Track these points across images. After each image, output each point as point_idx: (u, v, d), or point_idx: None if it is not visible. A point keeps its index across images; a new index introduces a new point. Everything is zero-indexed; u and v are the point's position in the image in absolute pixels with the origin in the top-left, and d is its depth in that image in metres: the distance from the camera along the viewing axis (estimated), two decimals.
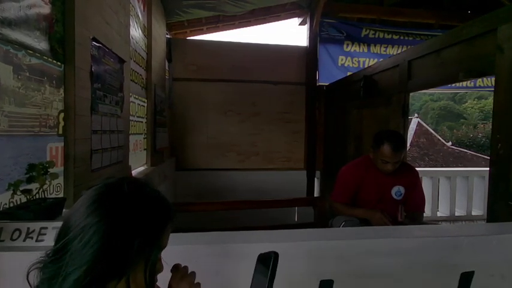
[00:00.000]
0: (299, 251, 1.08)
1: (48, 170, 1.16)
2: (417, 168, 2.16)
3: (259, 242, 1.09)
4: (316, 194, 4.93)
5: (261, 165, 4.85)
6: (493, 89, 1.85)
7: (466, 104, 27.59)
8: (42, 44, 1.29)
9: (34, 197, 1.15)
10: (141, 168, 3.01)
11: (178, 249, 0.93)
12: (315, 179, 4.93)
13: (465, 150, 16.70)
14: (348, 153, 3.91)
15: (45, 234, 1.00)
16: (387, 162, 1.80)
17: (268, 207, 3.29)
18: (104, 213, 0.51)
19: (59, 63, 1.41)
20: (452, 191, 4.32)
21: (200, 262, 0.98)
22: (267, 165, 4.86)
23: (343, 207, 1.96)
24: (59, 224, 1.03)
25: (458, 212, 4.34)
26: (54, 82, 1.38)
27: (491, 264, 1.16)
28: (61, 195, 1.44)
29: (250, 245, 1.06)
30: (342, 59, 4.93)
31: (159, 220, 0.56)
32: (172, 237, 0.62)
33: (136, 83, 2.77)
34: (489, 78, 4.67)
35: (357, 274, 1.08)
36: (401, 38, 5.04)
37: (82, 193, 0.56)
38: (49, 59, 1.34)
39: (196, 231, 1.11)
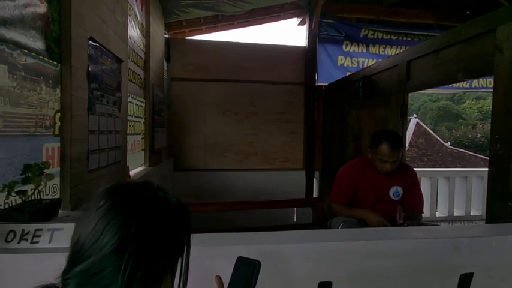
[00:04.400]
0: (297, 252, 1.07)
1: (44, 170, 1.15)
2: (416, 169, 2.15)
3: (257, 244, 1.08)
4: (315, 195, 4.92)
5: (259, 165, 4.83)
6: (489, 90, 1.84)
7: (465, 104, 27.71)
8: (37, 43, 1.27)
9: (29, 198, 1.14)
10: (139, 169, 2.99)
11: None
12: (314, 179, 4.92)
13: (464, 151, 16.73)
14: (346, 154, 3.91)
15: (40, 236, 0.99)
16: (385, 162, 1.79)
17: (266, 208, 3.28)
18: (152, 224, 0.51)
19: (55, 62, 1.39)
20: (451, 191, 4.33)
21: (194, 264, 0.97)
22: (265, 165, 4.85)
23: (341, 208, 1.95)
24: (54, 225, 1.03)
25: (457, 213, 4.35)
26: (50, 82, 1.36)
27: (491, 266, 1.16)
28: (57, 196, 1.42)
29: (248, 247, 1.05)
30: (341, 59, 4.92)
31: (189, 225, 0.59)
32: None
33: (134, 83, 2.76)
34: (485, 79, 4.69)
35: (355, 276, 1.08)
36: (400, 38, 5.04)
37: (102, 205, 0.49)
38: (45, 59, 1.32)
39: (193, 233, 1.10)
